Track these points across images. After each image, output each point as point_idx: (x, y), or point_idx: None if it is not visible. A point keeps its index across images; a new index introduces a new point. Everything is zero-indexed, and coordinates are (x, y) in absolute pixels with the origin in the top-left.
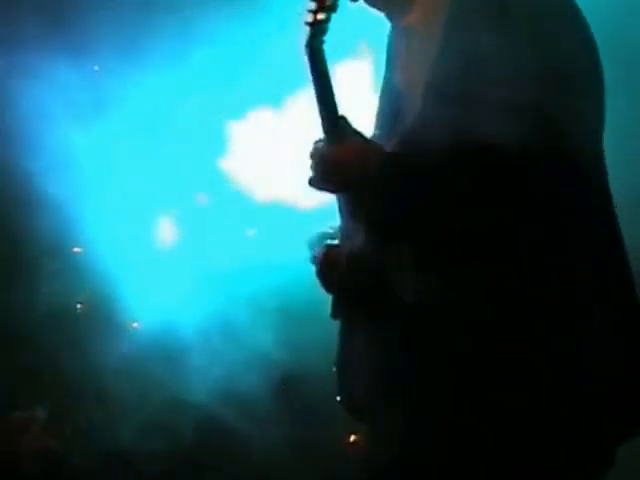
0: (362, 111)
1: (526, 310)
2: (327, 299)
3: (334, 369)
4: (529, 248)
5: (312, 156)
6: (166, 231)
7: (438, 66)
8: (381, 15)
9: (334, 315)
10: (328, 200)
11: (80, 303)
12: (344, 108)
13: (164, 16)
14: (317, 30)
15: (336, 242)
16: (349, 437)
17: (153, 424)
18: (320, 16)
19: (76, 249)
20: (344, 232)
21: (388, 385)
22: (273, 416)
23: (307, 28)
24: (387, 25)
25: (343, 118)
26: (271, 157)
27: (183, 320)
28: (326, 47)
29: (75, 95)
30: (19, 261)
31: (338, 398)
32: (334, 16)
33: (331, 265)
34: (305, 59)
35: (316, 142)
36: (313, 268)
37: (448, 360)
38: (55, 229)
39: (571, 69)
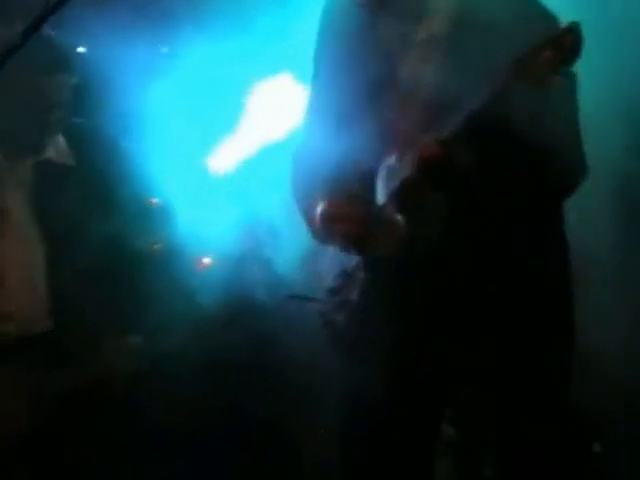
0: None
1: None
2: None
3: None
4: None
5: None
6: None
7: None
8: None
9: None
10: None
11: (156, 244)
12: None
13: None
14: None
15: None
16: None
17: (225, 349)
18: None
19: (153, 199)
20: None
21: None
22: None
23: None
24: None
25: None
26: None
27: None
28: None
29: (149, 70)
30: (104, 212)
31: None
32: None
33: (335, 218)
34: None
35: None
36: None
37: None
38: (135, 182)
39: None
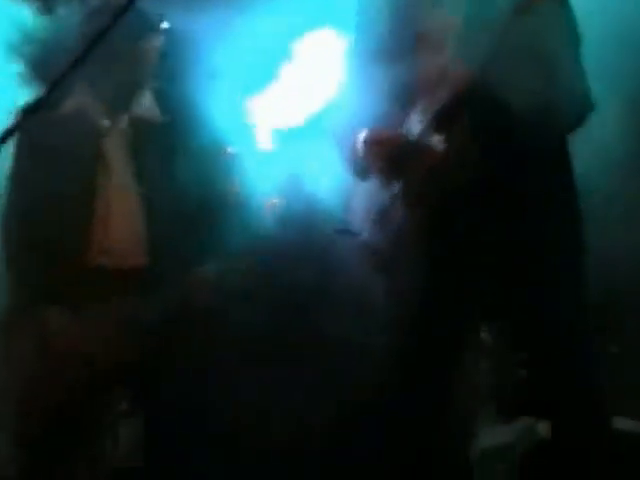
0: None
1: None
2: None
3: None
4: None
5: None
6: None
7: None
8: None
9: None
10: None
11: (232, 188)
12: None
13: None
14: None
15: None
16: None
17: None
18: None
19: (229, 149)
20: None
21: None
22: None
23: None
24: None
25: None
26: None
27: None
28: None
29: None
30: (187, 161)
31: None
32: None
33: (376, 140)
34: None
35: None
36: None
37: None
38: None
39: None
